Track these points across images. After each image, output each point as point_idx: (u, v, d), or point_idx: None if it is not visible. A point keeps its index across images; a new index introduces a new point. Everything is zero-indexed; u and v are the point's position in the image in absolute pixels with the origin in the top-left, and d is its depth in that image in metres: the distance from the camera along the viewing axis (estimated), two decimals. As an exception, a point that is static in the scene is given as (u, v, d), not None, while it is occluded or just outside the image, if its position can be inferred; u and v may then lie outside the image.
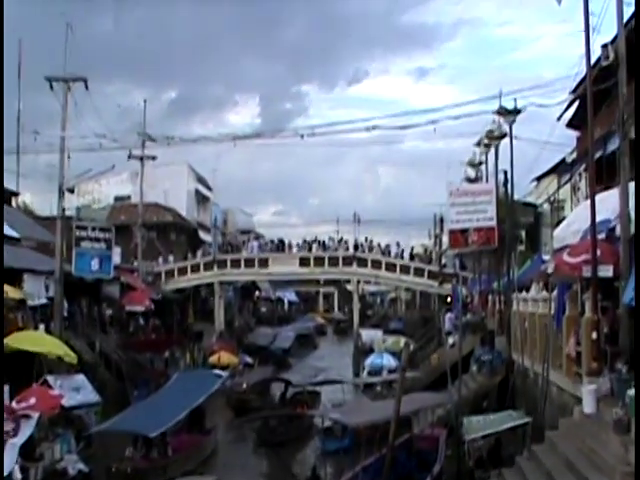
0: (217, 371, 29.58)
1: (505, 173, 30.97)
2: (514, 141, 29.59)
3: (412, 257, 52.81)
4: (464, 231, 33.87)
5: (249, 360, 44.44)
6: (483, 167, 39.57)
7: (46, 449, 21.14)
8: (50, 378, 24.50)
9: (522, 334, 23.81)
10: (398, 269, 49.68)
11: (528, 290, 24.63)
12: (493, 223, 33.19)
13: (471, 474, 18.36)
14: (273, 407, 30.42)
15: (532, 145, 29.83)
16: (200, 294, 55.16)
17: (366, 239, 53.92)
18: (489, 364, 27.39)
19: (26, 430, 18.85)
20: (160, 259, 52.74)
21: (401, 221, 66.90)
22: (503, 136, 31.56)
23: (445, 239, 47.87)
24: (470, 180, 41.48)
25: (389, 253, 51.98)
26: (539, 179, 39.01)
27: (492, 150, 34.10)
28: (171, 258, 53.37)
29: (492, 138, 32.94)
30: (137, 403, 24.24)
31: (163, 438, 21.95)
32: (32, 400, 20.28)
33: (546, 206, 34.98)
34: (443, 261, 51.60)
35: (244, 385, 34.74)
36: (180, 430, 23.96)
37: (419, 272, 49.56)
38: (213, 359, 39.92)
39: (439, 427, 22.50)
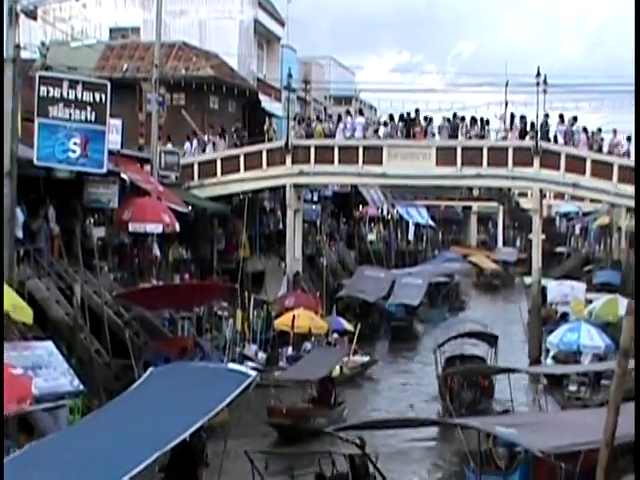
0: (234, 366, 25.70)
1: None
2: None
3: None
4: None
5: (345, 325, 44.78)
6: None
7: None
8: None
9: None
10: (615, 173, 48.94)
11: None
12: None
13: None
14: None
15: None
16: (261, 206, 55.70)
17: (561, 118, 52.58)
18: None
19: None
20: (190, 143, 52.76)
21: (623, 88, 64.93)
22: None
23: None
24: None
25: (599, 146, 51.24)
26: None
27: None
28: (214, 141, 53.14)
29: None
30: (38, 442, 20.62)
31: None
32: (-17, 385, 20.34)
33: None
34: None
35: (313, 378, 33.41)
36: None
37: (656, 180, 48.40)
38: (282, 322, 40.72)
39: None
